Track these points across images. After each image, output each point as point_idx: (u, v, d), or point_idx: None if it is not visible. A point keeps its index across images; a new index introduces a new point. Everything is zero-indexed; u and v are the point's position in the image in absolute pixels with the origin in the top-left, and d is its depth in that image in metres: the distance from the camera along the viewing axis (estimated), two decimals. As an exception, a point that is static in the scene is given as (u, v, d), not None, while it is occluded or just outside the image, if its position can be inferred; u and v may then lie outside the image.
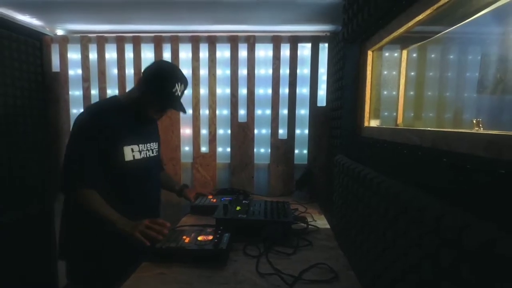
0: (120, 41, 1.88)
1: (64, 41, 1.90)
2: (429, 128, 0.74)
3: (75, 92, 1.96)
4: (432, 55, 1.17)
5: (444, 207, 0.53)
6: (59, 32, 1.94)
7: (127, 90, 1.43)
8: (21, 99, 1.76)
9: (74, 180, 1.04)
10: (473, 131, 0.64)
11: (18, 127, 1.73)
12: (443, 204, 0.54)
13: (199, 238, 1.02)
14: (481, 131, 0.63)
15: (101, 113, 1.10)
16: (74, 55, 1.94)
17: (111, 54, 1.92)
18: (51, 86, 1.93)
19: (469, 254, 0.44)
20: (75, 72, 1.95)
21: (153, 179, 1.29)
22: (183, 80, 1.16)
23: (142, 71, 1.18)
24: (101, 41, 1.89)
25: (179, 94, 1.16)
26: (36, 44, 1.87)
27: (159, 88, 1.12)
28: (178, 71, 1.18)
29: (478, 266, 0.42)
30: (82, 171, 1.04)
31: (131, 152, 1.14)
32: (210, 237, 1.02)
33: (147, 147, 1.22)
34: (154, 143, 1.29)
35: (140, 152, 1.18)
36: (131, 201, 1.13)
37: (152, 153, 1.25)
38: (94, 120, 1.07)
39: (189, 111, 1.93)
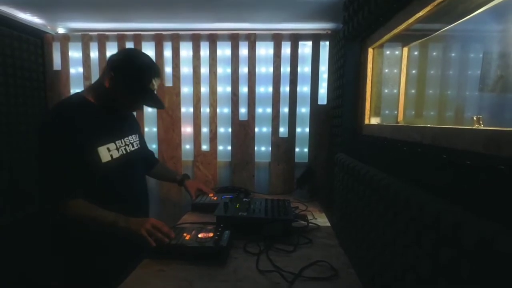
0: (121, 39, 1.88)
1: (65, 39, 1.91)
2: (429, 125, 0.74)
3: (76, 90, 1.95)
4: (434, 53, 1.17)
5: (443, 205, 0.53)
6: (61, 30, 1.95)
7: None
8: (23, 97, 1.76)
9: (58, 194, 0.96)
10: (473, 127, 0.63)
11: (19, 125, 1.74)
12: (443, 201, 0.54)
13: (200, 235, 1.03)
14: (481, 127, 0.63)
15: (68, 114, 0.98)
16: (75, 53, 1.94)
17: (112, 52, 1.91)
18: (53, 85, 1.94)
19: (468, 251, 0.44)
20: (76, 70, 1.96)
21: (138, 174, 1.20)
22: (158, 73, 1.07)
23: (108, 59, 1.05)
24: (102, 39, 1.89)
25: (156, 88, 1.07)
26: (37, 43, 1.88)
27: (133, 84, 1.02)
28: (153, 63, 1.08)
29: (477, 264, 0.42)
30: (65, 182, 0.95)
31: (108, 152, 1.03)
32: (211, 235, 1.03)
33: (124, 142, 1.12)
34: (133, 135, 1.19)
35: (118, 149, 1.08)
36: (118, 201, 1.05)
37: (133, 146, 1.16)
38: (63, 122, 0.96)
39: (190, 109, 1.93)
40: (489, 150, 0.51)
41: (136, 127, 1.27)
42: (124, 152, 1.11)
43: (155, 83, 1.06)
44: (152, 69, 1.06)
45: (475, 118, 0.67)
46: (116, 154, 1.07)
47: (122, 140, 1.12)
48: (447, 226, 0.48)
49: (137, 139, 1.23)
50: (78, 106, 1.03)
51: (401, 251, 0.65)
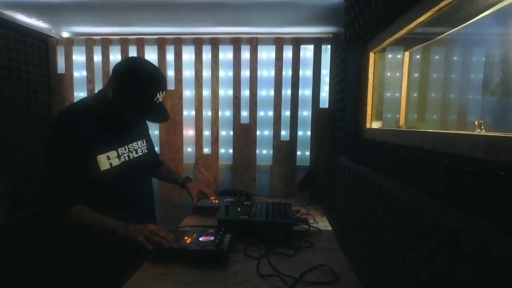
0: (124, 43, 1.90)
1: (69, 43, 1.93)
2: (430, 130, 0.74)
3: (80, 94, 1.98)
4: (435, 57, 1.17)
5: (443, 209, 0.52)
6: (65, 34, 1.97)
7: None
8: (27, 100, 1.78)
9: (59, 199, 0.97)
10: (474, 132, 0.63)
11: (23, 128, 1.76)
12: (443, 206, 0.54)
13: (201, 239, 1.03)
14: (483, 133, 0.63)
15: (71, 122, 0.99)
16: (79, 57, 1.97)
17: (115, 56, 1.94)
18: (57, 88, 1.96)
19: (468, 255, 0.43)
20: (80, 73, 1.98)
21: (142, 180, 1.20)
22: (164, 85, 1.03)
23: (113, 69, 1.03)
24: (106, 43, 1.91)
25: (161, 101, 1.04)
26: (42, 46, 1.90)
27: (136, 98, 0.99)
28: (159, 74, 1.03)
29: (477, 268, 0.42)
30: (66, 188, 0.96)
31: (107, 160, 1.03)
32: (212, 238, 1.03)
33: (128, 148, 1.11)
34: (139, 141, 1.18)
35: (119, 157, 1.07)
36: (121, 207, 1.04)
37: (137, 153, 1.15)
38: (68, 128, 0.97)
39: (191, 112, 1.94)
40: (489, 155, 0.51)
41: (143, 132, 1.26)
42: (127, 159, 1.11)
43: (160, 96, 1.02)
44: (157, 82, 1.01)
45: (476, 123, 0.66)
46: (116, 162, 1.06)
47: (126, 146, 1.12)
48: (447, 230, 0.48)
49: (144, 144, 1.22)
50: (82, 113, 1.03)
51: (401, 255, 0.64)
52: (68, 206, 0.97)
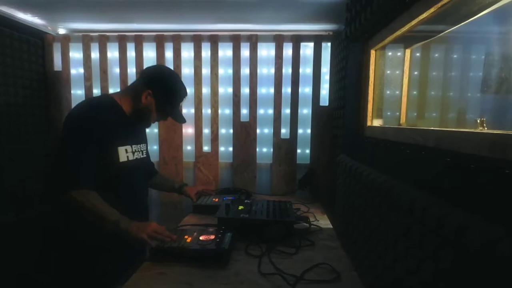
0: (122, 40, 1.88)
1: (66, 40, 1.91)
2: (432, 128, 0.73)
3: (77, 91, 1.96)
4: (436, 54, 1.16)
5: (446, 208, 0.52)
6: (61, 31, 1.95)
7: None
8: (23, 98, 1.76)
9: (72, 181, 0.99)
10: (477, 130, 0.63)
11: (19, 126, 1.74)
12: (446, 204, 0.54)
13: (201, 237, 1.02)
14: (485, 130, 0.63)
15: (96, 111, 1.05)
16: (76, 54, 1.94)
17: (113, 53, 1.92)
18: (53, 85, 1.94)
19: (471, 255, 0.43)
20: (77, 71, 1.96)
21: (142, 181, 1.27)
22: (187, 92, 1.21)
23: (145, 74, 1.14)
24: (103, 40, 1.89)
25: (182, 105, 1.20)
26: (38, 43, 1.88)
27: (170, 105, 1.15)
28: (183, 83, 1.19)
29: (480, 267, 0.42)
30: (80, 171, 1.00)
31: (125, 153, 1.11)
32: (212, 237, 1.02)
33: (138, 148, 1.19)
34: (143, 144, 1.27)
35: (133, 153, 1.15)
36: (121, 202, 1.06)
37: (142, 154, 1.23)
38: (90, 118, 1.03)
39: (191, 111, 1.93)
40: (494, 153, 0.51)
41: (146, 138, 1.33)
42: (138, 157, 1.18)
43: (184, 100, 1.20)
44: (184, 90, 1.18)
45: (478, 121, 0.66)
46: (131, 157, 1.14)
47: (138, 145, 1.20)
48: (451, 229, 0.48)
49: (145, 148, 1.29)
50: (107, 107, 1.10)
51: (404, 253, 0.64)
52: (78, 187, 0.99)
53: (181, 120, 1.23)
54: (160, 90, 1.11)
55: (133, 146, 1.16)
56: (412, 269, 0.60)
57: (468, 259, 0.44)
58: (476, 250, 0.42)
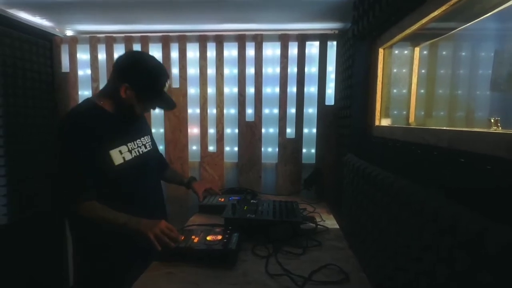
0: (128, 41, 1.89)
1: (73, 42, 1.93)
2: (445, 127, 0.72)
3: (84, 92, 1.98)
4: (444, 52, 1.15)
5: (460, 209, 0.51)
6: (69, 32, 1.96)
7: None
8: (32, 99, 1.78)
9: (73, 195, 0.98)
10: (491, 130, 0.62)
11: (28, 127, 1.76)
12: (459, 206, 0.52)
13: (208, 238, 1.02)
14: (500, 130, 0.61)
15: (81, 120, 1.01)
16: (83, 56, 1.96)
17: (119, 54, 1.92)
18: (61, 86, 1.96)
19: (485, 257, 0.42)
20: (84, 72, 1.97)
21: (152, 174, 1.22)
22: (168, 73, 1.10)
23: (117, 67, 1.06)
24: (110, 41, 1.90)
25: (167, 88, 1.10)
26: (46, 45, 1.90)
27: (150, 91, 1.05)
28: (161, 64, 1.09)
29: (495, 271, 0.41)
30: (81, 183, 0.98)
31: (120, 155, 1.05)
32: (219, 237, 1.02)
33: (137, 144, 1.14)
34: (145, 137, 1.21)
35: (130, 151, 1.10)
36: (131, 203, 1.06)
37: (145, 148, 1.18)
38: (77, 129, 0.99)
39: (196, 110, 1.93)
40: None
41: (147, 129, 1.29)
42: (138, 154, 1.13)
43: (167, 84, 1.09)
44: (164, 72, 1.08)
45: (492, 120, 0.65)
46: (128, 156, 1.09)
47: (135, 142, 1.14)
48: (467, 232, 0.47)
49: (149, 140, 1.24)
50: (90, 112, 1.05)
51: (415, 255, 0.63)
52: (81, 202, 0.98)
53: (170, 105, 1.13)
54: (137, 81, 1.02)
55: (129, 144, 1.10)
56: (425, 271, 0.59)
57: (482, 263, 0.43)
58: (490, 253, 0.41)
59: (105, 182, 1.02)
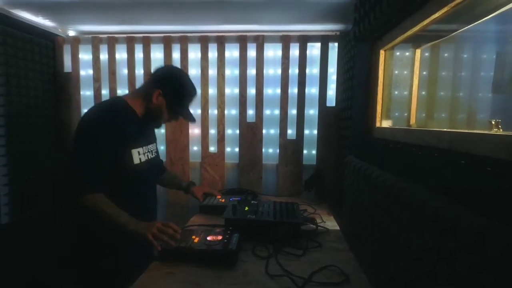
0: (130, 41, 1.90)
1: (76, 42, 1.94)
2: (446, 129, 0.72)
3: (86, 92, 1.99)
4: (445, 54, 1.15)
5: (461, 210, 0.51)
6: (71, 33, 1.98)
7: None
8: (34, 99, 1.79)
9: (81, 186, 1.00)
10: (491, 132, 0.61)
11: (30, 127, 1.77)
12: (460, 206, 0.52)
13: (209, 238, 1.02)
14: (501, 132, 0.61)
15: (110, 114, 1.06)
16: (85, 56, 1.97)
17: (121, 54, 1.94)
18: (63, 87, 1.97)
19: (486, 258, 0.42)
20: (86, 72, 1.98)
21: (153, 181, 1.29)
22: (196, 93, 1.22)
23: (155, 75, 1.16)
24: (112, 41, 1.91)
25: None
26: (49, 45, 1.91)
27: (181, 105, 1.16)
28: (193, 84, 1.21)
29: (496, 271, 0.41)
30: (94, 175, 1.00)
31: (138, 155, 1.11)
32: (220, 237, 1.02)
33: (148, 149, 1.20)
34: (153, 144, 1.27)
35: (144, 154, 1.16)
36: (132, 203, 1.07)
37: (152, 154, 1.23)
38: (104, 121, 1.03)
39: (198, 111, 1.94)
40: (512, 156, 0.50)
41: (155, 137, 1.33)
42: (148, 158, 1.18)
43: (193, 100, 1.21)
44: (194, 91, 1.20)
45: (493, 122, 0.65)
46: (143, 159, 1.15)
47: (147, 147, 1.19)
48: (467, 233, 0.47)
49: (155, 147, 1.30)
50: (120, 110, 1.10)
51: (416, 256, 0.63)
52: (89, 193, 1.00)
53: (192, 119, 1.24)
54: (170, 90, 1.12)
55: (144, 147, 1.16)
56: (425, 273, 0.59)
57: (483, 264, 0.43)
58: (492, 254, 0.41)
59: (119, 179, 1.05)
